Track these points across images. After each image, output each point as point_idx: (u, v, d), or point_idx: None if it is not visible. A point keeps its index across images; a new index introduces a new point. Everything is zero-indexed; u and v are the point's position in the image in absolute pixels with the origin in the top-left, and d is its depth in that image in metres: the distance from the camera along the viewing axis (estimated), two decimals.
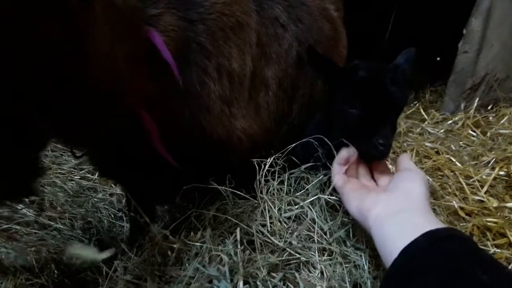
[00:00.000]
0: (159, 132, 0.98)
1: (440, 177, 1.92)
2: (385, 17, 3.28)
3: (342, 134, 1.06)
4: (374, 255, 0.91)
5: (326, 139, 1.07)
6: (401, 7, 3.23)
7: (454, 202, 1.67)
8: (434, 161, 2.00)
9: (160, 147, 1.00)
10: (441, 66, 3.05)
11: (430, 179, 1.95)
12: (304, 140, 1.11)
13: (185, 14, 1.01)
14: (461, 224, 1.67)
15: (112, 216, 1.69)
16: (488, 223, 1.56)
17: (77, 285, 1.22)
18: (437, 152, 2.11)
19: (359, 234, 0.95)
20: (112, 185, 1.87)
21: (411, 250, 0.71)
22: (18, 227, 1.43)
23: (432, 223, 0.76)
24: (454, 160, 1.99)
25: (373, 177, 1.05)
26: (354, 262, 0.88)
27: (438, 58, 3.22)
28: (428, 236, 0.72)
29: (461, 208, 1.67)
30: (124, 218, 1.69)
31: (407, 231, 0.74)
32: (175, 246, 1.01)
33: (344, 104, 1.07)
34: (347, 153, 1.03)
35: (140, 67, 0.91)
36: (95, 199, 1.74)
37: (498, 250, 1.48)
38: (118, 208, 1.74)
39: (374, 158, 1.02)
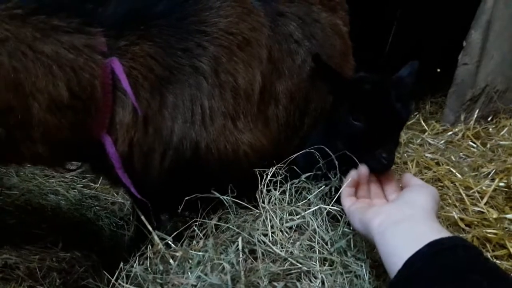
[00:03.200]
0: (131, 157, 1.05)
1: (440, 188, 1.93)
2: (386, 29, 3.30)
3: (345, 145, 1.08)
4: (375, 266, 0.92)
5: (327, 150, 1.08)
6: (401, 19, 3.26)
7: (454, 213, 1.68)
8: (434, 172, 2.01)
9: (123, 175, 1.06)
10: (442, 78, 3.08)
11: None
12: (305, 150, 1.12)
13: (171, 43, 1.07)
14: (461, 234, 1.68)
15: (114, 224, 1.70)
16: (488, 234, 1.57)
17: None
18: (437, 163, 2.12)
19: (360, 245, 0.96)
20: (114, 194, 1.88)
21: (415, 261, 0.71)
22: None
23: (435, 232, 0.75)
24: (454, 171, 2.00)
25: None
26: (355, 272, 0.89)
27: (438, 70, 3.24)
28: (432, 247, 0.71)
29: (461, 219, 1.68)
30: (126, 227, 1.70)
31: (410, 241, 0.74)
32: (177, 254, 1.02)
33: (349, 116, 1.08)
34: (356, 174, 1.03)
35: (97, 102, 0.99)
36: (97, 207, 1.75)
37: (498, 262, 1.49)
38: (120, 217, 1.75)
39: (376, 171, 1.03)
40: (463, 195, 1.80)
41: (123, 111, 1.02)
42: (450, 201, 1.79)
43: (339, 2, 1.59)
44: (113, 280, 1.04)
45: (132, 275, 1.04)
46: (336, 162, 1.07)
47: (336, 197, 1.04)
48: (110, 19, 1.01)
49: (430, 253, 0.71)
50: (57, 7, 0.95)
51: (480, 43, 2.46)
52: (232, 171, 1.19)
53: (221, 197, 1.10)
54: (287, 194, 1.06)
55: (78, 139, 1.01)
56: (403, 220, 0.81)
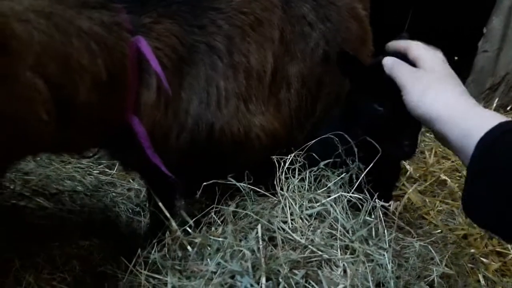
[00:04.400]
0: (153, 138, 1.03)
1: (459, 178, 1.92)
2: (402, 16, 3.24)
3: (365, 131, 1.05)
4: (397, 255, 0.91)
5: (347, 136, 1.06)
6: (418, 5, 3.20)
7: None
8: (453, 161, 1.99)
9: (153, 155, 1.04)
10: (460, 66, 3.02)
11: (448, 179, 1.94)
12: (323, 136, 1.10)
13: (189, 21, 1.05)
14: None
15: (130, 211, 1.71)
16: None
17: (97, 279, 1.23)
18: None
19: (382, 233, 0.95)
20: (130, 180, 1.89)
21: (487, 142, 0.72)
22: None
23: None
24: None
25: None
26: (377, 261, 0.88)
27: (456, 58, 3.18)
28: (499, 128, 0.72)
29: None
30: (142, 213, 1.71)
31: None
32: (196, 240, 1.02)
33: (370, 101, 1.06)
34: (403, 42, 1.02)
35: (127, 81, 0.97)
36: (113, 193, 1.76)
37: None
38: (136, 203, 1.76)
39: (399, 158, 1.02)
40: None
41: (147, 92, 1.01)
42: None
43: None
44: (131, 267, 1.04)
45: (150, 261, 1.04)
46: (356, 149, 1.05)
47: (356, 185, 1.02)
48: None
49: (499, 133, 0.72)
50: None
51: (501, 30, 2.42)
52: (245, 154, 1.18)
53: (238, 184, 1.09)
54: (306, 181, 1.05)
55: (110, 121, 1.00)
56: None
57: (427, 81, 0.89)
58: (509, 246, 1.61)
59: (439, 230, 1.67)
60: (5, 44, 0.74)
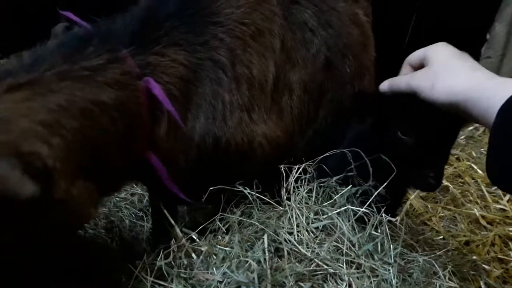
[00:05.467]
0: (168, 167, 1.05)
1: (461, 184, 1.92)
2: (406, 20, 3.23)
3: (391, 159, 1.02)
4: (401, 270, 0.92)
5: (363, 155, 1.04)
6: (421, 10, 3.20)
7: (475, 210, 1.67)
8: (455, 167, 2.00)
9: (171, 184, 1.07)
10: None
11: (451, 185, 1.95)
12: (339, 150, 1.10)
13: (191, 41, 1.05)
14: (482, 232, 1.67)
15: (133, 216, 1.72)
16: (510, 233, 1.56)
17: (101, 284, 1.24)
18: (458, 159, 2.10)
19: (387, 248, 0.95)
20: (134, 185, 1.89)
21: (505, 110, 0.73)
22: None
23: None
24: (475, 167, 1.98)
25: None
26: (382, 276, 0.89)
27: None
28: None
29: (483, 217, 1.67)
30: (145, 218, 1.71)
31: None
32: (202, 249, 1.03)
33: (397, 130, 1.01)
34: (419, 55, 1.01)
35: (142, 126, 0.99)
36: (117, 198, 1.76)
37: None
38: (139, 208, 1.76)
39: (423, 190, 1.00)
40: (485, 191, 1.78)
41: (158, 128, 1.02)
42: (471, 198, 1.78)
43: None
44: (136, 272, 1.05)
45: (155, 268, 1.05)
46: (370, 169, 1.04)
47: (363, 199, 1.02)
48: (125, 36, 0.99)
49: None
50: (81, 42, 0.93)
51: (504, 36, 2.43)
52: (248, 162, 1.19)
53: (245, 190, 1.10)
54: (314, 193, 1.05)
55: (129, 160, 1.01)
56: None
57: (434, 71, 0.90)
58: (511, 253, 1.62)
59: (441, 237, 1.67)
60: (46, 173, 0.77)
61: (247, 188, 1.10)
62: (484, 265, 1.54)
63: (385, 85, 1.03)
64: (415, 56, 1.00)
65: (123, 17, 1.04)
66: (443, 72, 0.88)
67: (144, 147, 1.01)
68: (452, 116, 0.91)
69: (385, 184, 1.02)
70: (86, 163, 0.87)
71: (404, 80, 0.96)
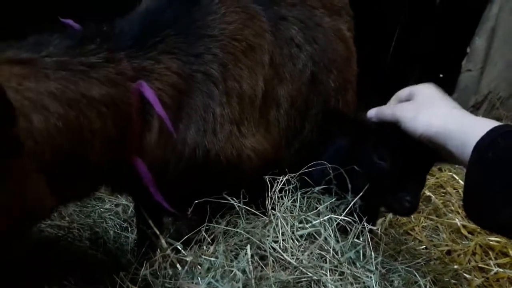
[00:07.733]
0: (151, 172, 1.05)
1: (443, 194, 1.96)
2: (389, 34, 3.29)
3: (366, 180, 1.05)
4: (383, 278, 0.93)
5: (343, 171, 1.07)
6: (404, 24, 3.26)
7: (456, 220, 1.70)
8: (437, 178, 2.03)
9: (156, 193, 1.07)
10: (444, 84, 3.09)
11: (433, 196, 1.98)
12: (322, 167, 1.12)
13: (186, 51, 1.07)
14: (463, 242, 1.70)
15: (118, 226, 1.71)
16: (491, 242, 1.59)
17: None
18: (440, 169, 2.14)
19: (369, 256, 0.97)
20: (118, 196, 1.88)
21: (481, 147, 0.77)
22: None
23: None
24: (456, 177, 2.02)
25: None
26: (364, 283, 0.90)
27: (441, 75, 3.26)
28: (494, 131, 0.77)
29: (464, 226, 1.70)
30: (129, 229, 1.70)
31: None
32: (187, 259, 1.03)
33: (372, 155, 1.05)
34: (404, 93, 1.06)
35: (132, 129, 1.00)
36: (101, 209, 1.75)
37: (501, 270, 1.51)
38: (124, 219, 1.75)
39: (399, 214, 1.03)
40: None
41: (149, 133, 1.03)
42: (452, 208, 1.81)
43: (343, 6, 1.59)
44: (119, 282, 1.05)
45: (139, 278, 1.05)
46: (349, 185, 1.07)
47: (346, 209, 1.04)
48: (124, 39, 1.02)
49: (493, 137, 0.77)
50: (84, 38, 0.96)
51: (484, 50, 2.49)
52: (236, 174, 1.20)
53: (232, 201, 1.11)
54: (298, 202, 1.07)
55: (115, 165, 1.02)
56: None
57: (418, 104, 0.95)
58: (491, 262, 1.65)
59: (424, 246, 1.70)
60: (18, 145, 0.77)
61: (233, 198, 1.11)
62: (465, 274, 1.57)
63: (372, 113, 1.09)
64: (403, 93, 1.05)
65: (125, 21, 1.07)
66: (426, 105, 0.93)
67: (131, 151, 1.02)
68: (429, 148, 0.94)
69: (360, 195, 1.05)
70: (61, 153, 0.86)
71: (391, 109, 1.02)
